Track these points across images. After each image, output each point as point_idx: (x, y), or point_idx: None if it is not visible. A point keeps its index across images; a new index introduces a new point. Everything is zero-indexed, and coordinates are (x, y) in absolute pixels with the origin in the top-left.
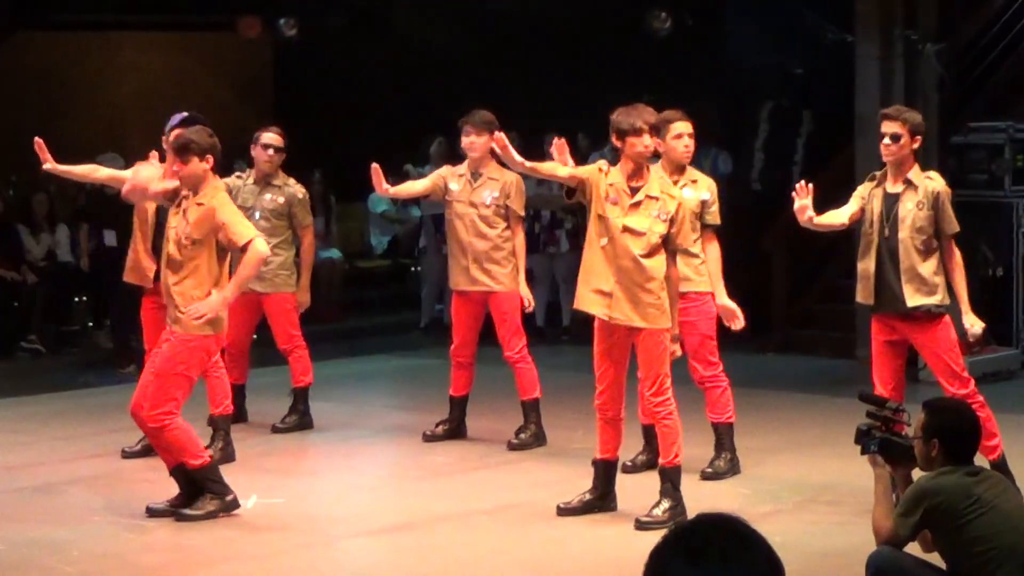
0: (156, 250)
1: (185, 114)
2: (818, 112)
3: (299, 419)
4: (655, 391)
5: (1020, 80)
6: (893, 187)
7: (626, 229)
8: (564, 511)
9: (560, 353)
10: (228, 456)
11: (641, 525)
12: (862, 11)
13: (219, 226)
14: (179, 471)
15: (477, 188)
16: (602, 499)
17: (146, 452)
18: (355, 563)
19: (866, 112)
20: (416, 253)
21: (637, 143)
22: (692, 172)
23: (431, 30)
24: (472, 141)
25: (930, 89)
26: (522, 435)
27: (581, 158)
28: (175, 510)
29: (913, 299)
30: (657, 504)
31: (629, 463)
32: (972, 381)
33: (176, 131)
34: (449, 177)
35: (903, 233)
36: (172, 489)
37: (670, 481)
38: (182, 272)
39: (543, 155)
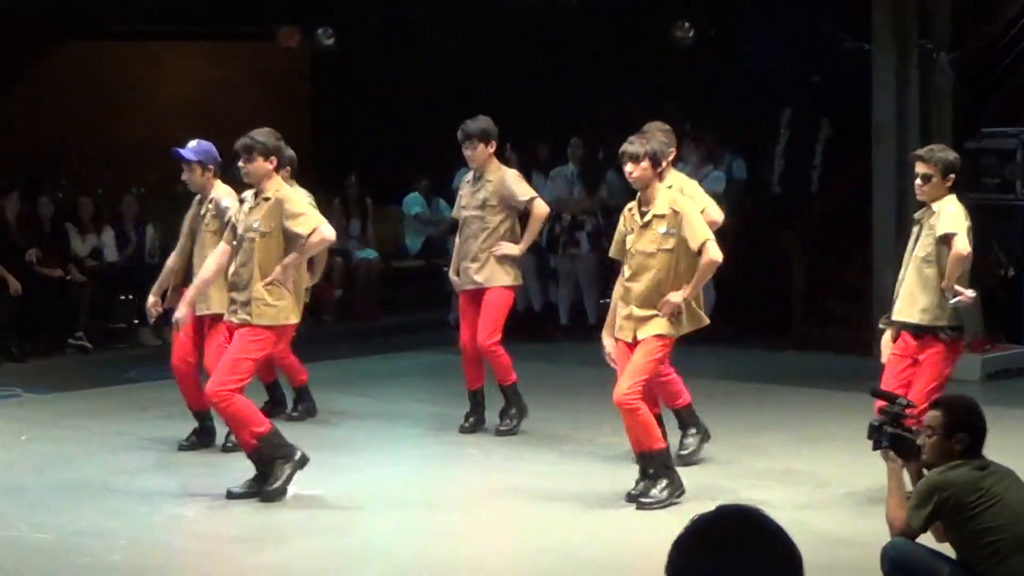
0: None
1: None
2: (835, 119)
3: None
4: (628, 389)
5: None
6: (922, 216)
7: (638, 253)
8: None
9: (586, 350)
10: None
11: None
12: (878, 21)
13: (286, 215)
14: (254, 454)
15: (475, 191)
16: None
17: (195, 446)
18: (400, 545)
19: (882, 119)
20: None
21: (626, 169)
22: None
23: (462, 40)
24: (469, 154)
25: (944, 96)
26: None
27: (600, 168)
28: (256, 490)
29: (920, 317)
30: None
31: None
32: None
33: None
34: (462, 184)
35: (916, 252)
36: (221, 477)
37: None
38: (251, 264)
39: (566, 159)
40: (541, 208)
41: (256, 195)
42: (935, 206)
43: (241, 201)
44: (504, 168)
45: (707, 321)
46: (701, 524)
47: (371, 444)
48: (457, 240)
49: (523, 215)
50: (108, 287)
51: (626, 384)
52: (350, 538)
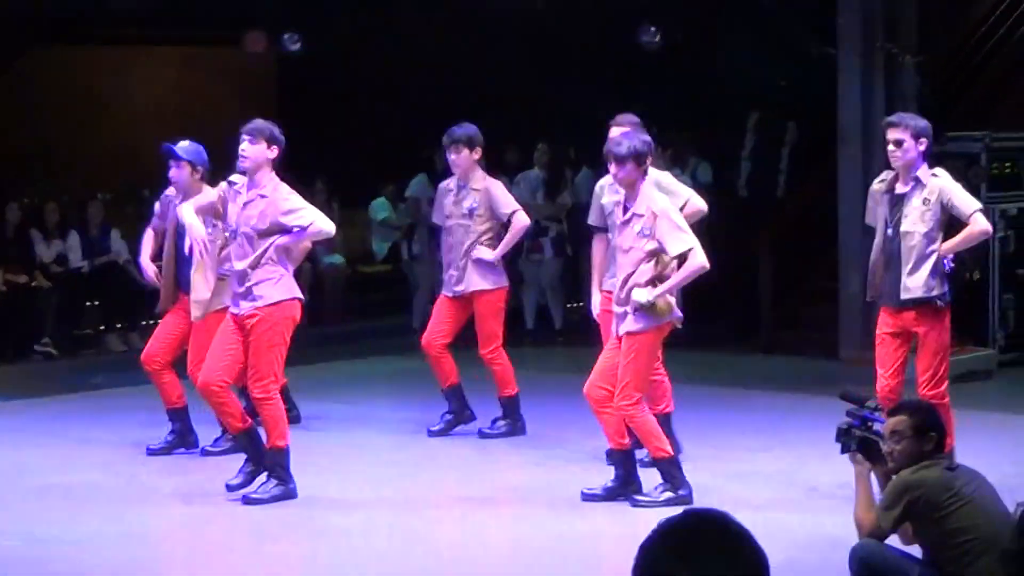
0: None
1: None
2: (802, 123)
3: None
4: (623, 395)
5: (996, 92)
6: (901, 188)
7: (618, 248)
8: (588, 497)
9: (552, 355)
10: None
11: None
12: (844, 25)
13: (282, 211)
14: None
15: (460, 200)
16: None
17: (169, 449)
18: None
19: (848, 123)
20: (408, 257)
21: (611, 169)
22: None
23: (429, 44)
24: (454, 159)
25: (910, 100)
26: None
27: (568, 167)
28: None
29: (914, 291)
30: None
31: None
32: (946, 385)
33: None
34: (443, 192)
35: (905, 227)
36: (191, 482)
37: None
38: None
39: (532, 164)
40: (522, 220)
41: (251, 186)
42: (922, 176)
43: (230, 183)
44: (489, 178)
45: (679, 315)
46: (668, 528)
47: (344, 448)
48: (443, 248)
49: (505, 224)
50: (74, 293)
51: (617, 396)
52: (324, 543)
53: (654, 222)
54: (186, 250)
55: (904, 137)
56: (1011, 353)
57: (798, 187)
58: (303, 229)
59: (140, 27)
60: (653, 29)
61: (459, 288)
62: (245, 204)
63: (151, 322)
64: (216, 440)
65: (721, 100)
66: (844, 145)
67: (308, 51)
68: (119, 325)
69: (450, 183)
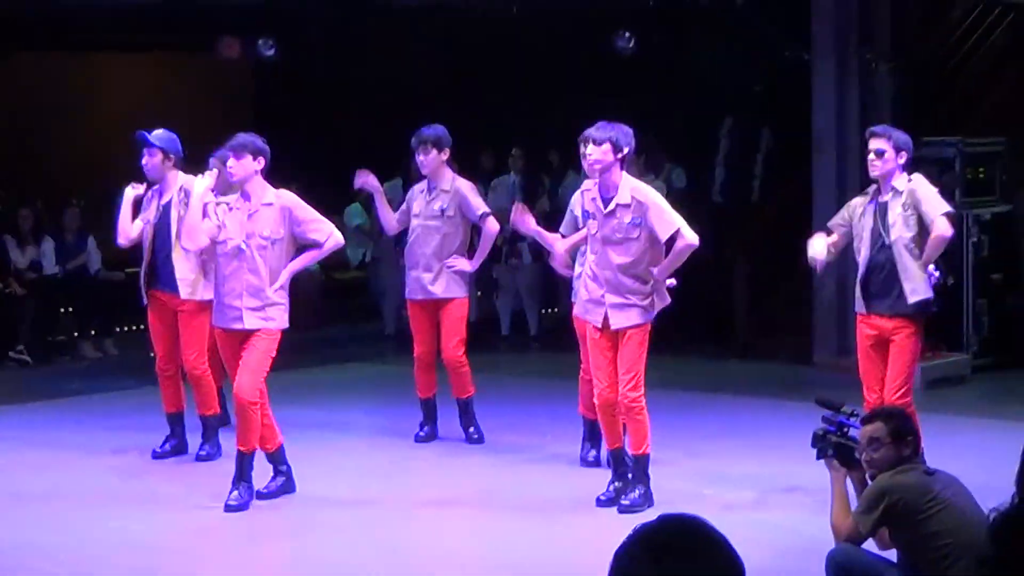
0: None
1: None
2: (776, 128)
3: None
4: (632, 386)
5: (970, 98)
6: (883, 198)
7: (603, 240)
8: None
9: (528, 361)
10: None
11: (624, 509)
12: (819, 31)
13: (297, 221)
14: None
15: (430, 202)
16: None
17: (175, 452)
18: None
19: (822, 128)
20: (368, 261)
21: (585, 153)
22: None
23: (404, 50)
24: (422, 159)
25: (884, 105)
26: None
27: (551, 174)
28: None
29: (912, 296)
30: (633, 489)
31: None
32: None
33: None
34: (414, 194)
35: (894, 236)
36: (164, 490)
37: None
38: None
39: (506, 169)
40: (493, 225)
41: (248, 198)
42: (898, 184)
43: (218, 203)
44: (460, 179)
45: (668, 300)
46: (643, 533)
47: (320, 454)
48: (409, 252)
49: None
50: (49, 300)
51: (625, 384)
52: (299, 548)
53: (643, 210)
54: (173, 237)
55: (886, 148)
56: (985, 358)
57: (773, 192)
58: (320, 245)
59: (115, 33)
60: (627, 34)
61: (435, 289)
62: (250, 216)
63: (126, 328)
64: (202, 445)
65: (695, 105)
66: (819, 150)
67: (284, 57)
68: (93, 332)
69: (421, 185)
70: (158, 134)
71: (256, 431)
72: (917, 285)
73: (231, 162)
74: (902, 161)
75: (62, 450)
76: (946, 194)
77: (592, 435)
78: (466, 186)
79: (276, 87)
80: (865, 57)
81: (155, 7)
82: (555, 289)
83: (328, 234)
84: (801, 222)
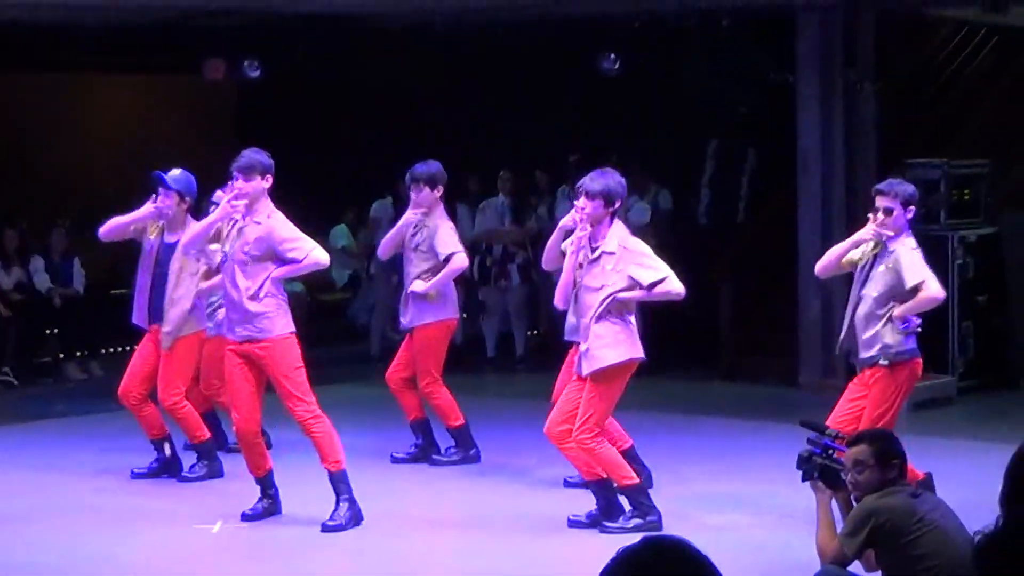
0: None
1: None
2: (761, 149)
3: None
4: (585, 429)
5: (955, 119)
6: (878, 250)
7: (586, 288)
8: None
9: (514, 382)
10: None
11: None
12: (803, 52)
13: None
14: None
15: (414, 235)
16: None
17: (160, 473)
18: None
19: (808, 149)
20: (365, 276)
21: (578, 204)
22: None
23: (390, 71)
24: (415, 197)
25: (869, 127)
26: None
27: (540, 195)
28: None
29: (863, 352)
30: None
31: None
32: None
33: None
34: (407, 223)
35: (867, 290)
36: (148, 511)
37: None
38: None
39: (495, 191)
40: (458, 262)
41: (246, 215)
42: (890, 245)
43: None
44: (442, 219)
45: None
46: (627, 555)
47: (303, 475)
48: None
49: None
50: (34, 321)
51: (576, 430)
52: (285, 570)
53: (625, 256)
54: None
55: (893, 206)
56: (970, 380)
57: (758, 213)
58: (298, 261)
59: (99, 54)
60: (613, 56)
61: (404, 320)
62: (240, 230)
63: (112, 351)
64: (192, 467)
65: (681, 126)
66: (804, 172)
67: (267, 78)
68: (79, 354)
69: (415, 218)
70: (175, 176)
71: (333, 447)
72: (880, 339)
73: (240, 183)
74: (910, 216)
75: (46, 472)
76: (933, 215)
77: None
78: (445, 226)
79: (261, 108)
80: (850, 79)
81: (142, 28)
82: (541, 310)
83: (307, 252)
84: (786, 243)
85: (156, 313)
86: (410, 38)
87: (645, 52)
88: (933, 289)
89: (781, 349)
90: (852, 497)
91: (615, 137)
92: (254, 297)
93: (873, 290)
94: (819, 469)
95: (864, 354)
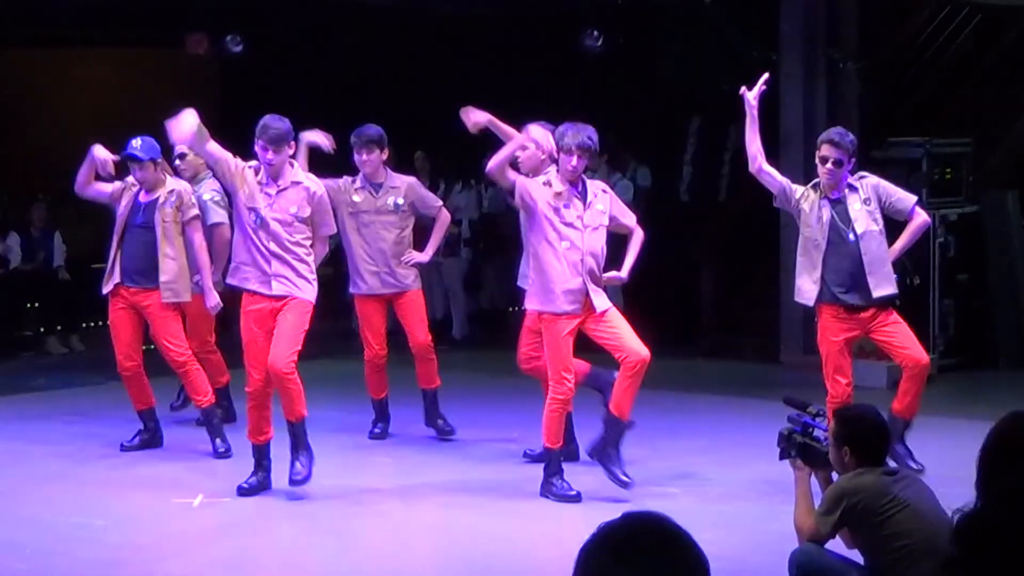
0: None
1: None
2: (744, 128)
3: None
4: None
5: (937, 97)
6: (837, 194)
7: (587, 227)
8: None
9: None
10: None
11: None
12: (786, 30)
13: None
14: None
15: (381, 196)
16: None
17: (139, 447)
18: (313, 551)
19: (790, 128)
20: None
21: (567, 161)
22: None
23: (372, 47)
24: (366, 158)
25: (851, 105)
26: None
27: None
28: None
29: (878, 290)
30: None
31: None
32: None
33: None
34: (345, 191)
35: (860, 229)
36: (127, 487)
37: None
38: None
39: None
40: (447, 215)
41: (275, 179)
42: (851, 182)
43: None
44: (401, 175)
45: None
46: (608, 531)
47: (283, 451)
48: (356, 247)
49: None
50: (14, 296)
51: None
52: (263, 542)
53: (608, 200)
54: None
55: (843, 158)
56: (951, 358)
57: (739, 192)
58: (324, 242)
59: (79, 29)
60: (595, 33)
61: (396, 281)
62: (280, 191)
63: (92, 324)
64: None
65: (663, 104)
66: (786, 150)
67: (251, 53)
68: (59, 328)
69: (356, 182)
70: (139, 146)
71: (298, 399)
72: (882, 280)
73: (270, 155)
74: (850, 167)
75: (27, 445)
76: (914, 195)
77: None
78: (415, 181)
79: (243, 83)
80: (832, 57)
81: (122, 2)
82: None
83: (334, 230)
84: (767, 221)
85: (124, 273)
86: (391, 13)
87: (627, 29)
88: (924, 215)
89: (763, 327)
90: (833, 474)
91: (597, 115)
92: (294, 258)
93: (871, 224)
94: (798, 447)
95: (884, 291)
